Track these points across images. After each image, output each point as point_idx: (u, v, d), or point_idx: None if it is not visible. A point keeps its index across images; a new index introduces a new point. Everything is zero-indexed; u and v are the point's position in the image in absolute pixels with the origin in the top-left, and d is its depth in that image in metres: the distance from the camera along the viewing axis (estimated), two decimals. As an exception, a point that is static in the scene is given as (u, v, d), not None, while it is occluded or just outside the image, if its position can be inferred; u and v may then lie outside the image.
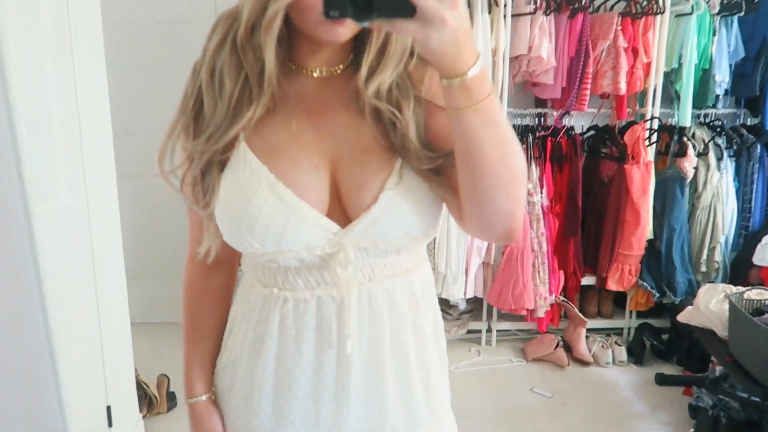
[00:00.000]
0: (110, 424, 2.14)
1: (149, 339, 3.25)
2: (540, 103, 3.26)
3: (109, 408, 2.13)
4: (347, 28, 0.80)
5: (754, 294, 2.33)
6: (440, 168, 0.85)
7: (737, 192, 3.17)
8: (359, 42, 0.87)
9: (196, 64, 0.89)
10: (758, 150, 3.11)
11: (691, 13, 2.91)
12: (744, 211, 3.21)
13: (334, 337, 0.89)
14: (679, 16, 2.97)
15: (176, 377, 2.79)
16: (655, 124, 3.03)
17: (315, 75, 0.88)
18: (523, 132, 3.11)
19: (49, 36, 1.76)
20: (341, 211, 0.86)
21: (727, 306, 2.36)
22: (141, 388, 2.53)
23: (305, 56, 0.88)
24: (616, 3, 3.04)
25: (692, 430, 2.49)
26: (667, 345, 3.20)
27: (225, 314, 1.05)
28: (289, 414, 0.93)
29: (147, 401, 2.58)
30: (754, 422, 2.43)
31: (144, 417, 2.51)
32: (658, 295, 3.15)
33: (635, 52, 2.96)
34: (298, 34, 0.85)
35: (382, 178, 0.84)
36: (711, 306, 2.47)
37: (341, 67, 0.89)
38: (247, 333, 0.95)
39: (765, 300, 2.30)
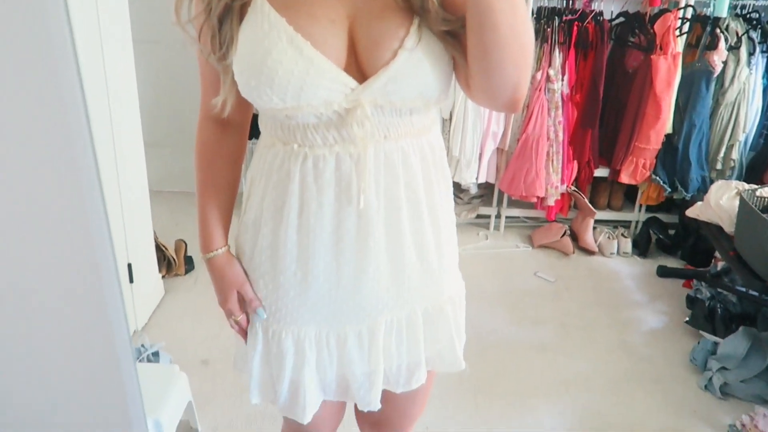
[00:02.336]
0: (131, 280, 2.26)
1: (166, 206, 3.34)
2: (569, -16, 3.11)
3: (129, 265, 2.24)
4: None
5: (766, 192, 2.34)
6: (455, 32, 0.85)
7: (765, 90, 3.08)
8: None
9: None
10: None
11: None
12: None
13: (354, 193, 0.92)
14: None
15: (193, 243, 2.90)
16: (689, 13, 2.90)
17: None
18: (549, 15, 3.00)
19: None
20: (358, 68, 0.87)
21: (737, 202, 2.37)
22: (160, 250, 2.64)
23: None
24: None
25: (688, 318, 2.58)
26: (672, 240, 3.25)
27: (238, 174, 1.08)
28: (313, 269, 0.97)
29: (166, 263, 2.70)
30: (749, 315, 2.52)
31: (163, 277, 2.64)
32: (669, 189, 3.16)
33: (677, -67, 2.79)
34: None
35: (400, 36, 0.84)
36: (722, 202, 2.49)
37: None
38: (267, 192, 0.97)
39: None
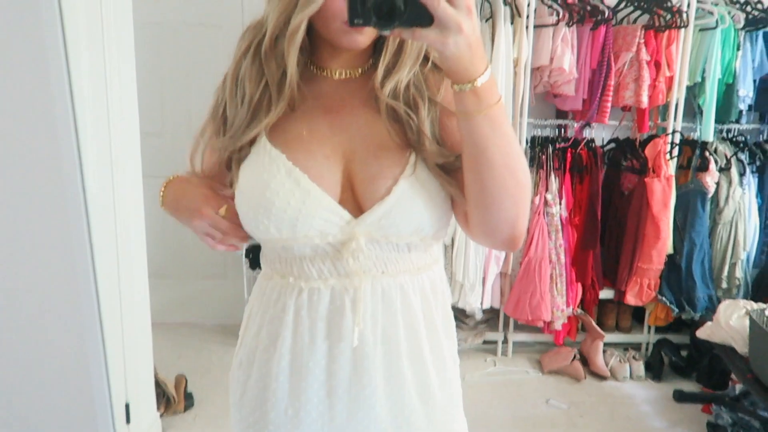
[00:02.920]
0: (128, 421, 2.17)
1: (167, 338, 3.28)
2: (561, 114, 3.26)
3: (127, 405, 2.16)
4: (367, 36, 0.85)
5: None
6: (451, 168, 0.89)
7: (760, 208, 3.14)
8: (378, 46, 0.92)
9: (225, 74, 0.94)
10: None
11: (715, 27, 2.90)
12: (766, 228, 3.18)
13: (347, 329, 0.91)
14: (703, 30, 2.96)
15: (194, 378, 2.82)
16: (677, 138, 3.02)
17: (336, 77, 0.94)
18: (543, 143, 3.12)
19: (84, 33, 1.81)
20: (354, 203, 0.90)
21: (747, 322, 2.33)
22: (159, 386, 2.55)
23: (327, 60, 0.93)
24: (639, 16, 3.05)
25: None
26: (686, 361, 3.16)
27: None
28: (305, 405, 0.95)
29: (165, 400, 2.60)
30: (774, 440, 2.40)
31: (161, 416, 2.54)
32: (677, 310, 3.12)
33: (658, 66, 2.96)
34: (320, 39, 0.90)
35: (396, 172, 0.88)
36: (731, 322, 2.44)
37: (360, 70, 0.94)
38: (263, 326, 0.98)
39: None
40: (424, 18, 0.69)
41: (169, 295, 3.45)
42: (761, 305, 2.39)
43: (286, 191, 0.87)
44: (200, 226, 0.95)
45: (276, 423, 0.96)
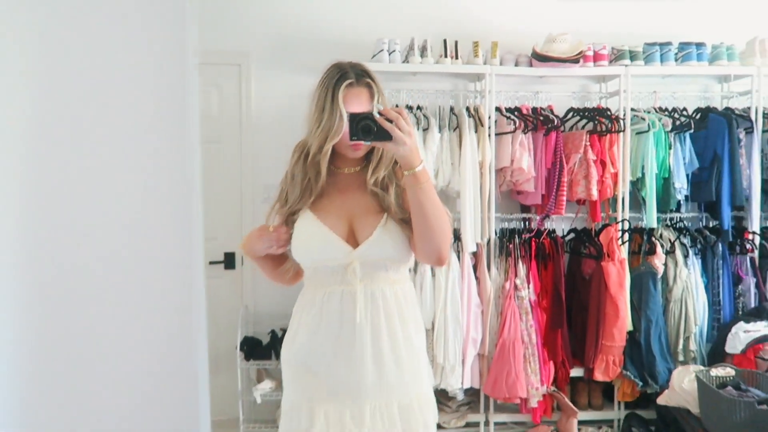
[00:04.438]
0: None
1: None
2: (525, 209, 3.66)
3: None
4: (362, 150, 1.59)
5: (719, 371, 2.60)
6: (407, 221, 1.57)
7: (706, 287, 3.48)
8: (368, 156, 1.63)
9: (286, 171, 1.66)
10: (720, 248, 3.48)
11: (648, 131, 3.38)
12: (714, 304, 3.50)
13: (350, 315, 1.56)
14: (639, 133, 3.44)
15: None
16: (626, 226, 3.41)
17: (345, 172, 1.66)
18: (510, 234, 3.49)
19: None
20: (353, 242, 1.59)
21: (696, 384, 2.61)
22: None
23: (340, 163, 1.65)
24: (585, 124, 3.53)
25: None
26: (655, 434, 3.37)
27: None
28: (321, 358, 1.59)
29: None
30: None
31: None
32: (641, 383, 3.37)
33: (603, 164, 3.41)
34: (336, 152, 1.61)
35: (376, 224, 1.58)
36: (684, 385, 2.73)
37: (358, 168, 1.65)
38: (302, 319, 1.65)
39: (729, 375, 2.56)
40: (387, 136, 1.40)
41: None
42: (707, 368, 2.68)
43: (315, 236, 1.59)
44: (261, 244, 1.62)
45: (308, 363, 1.60)
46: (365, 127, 1.42)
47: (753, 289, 3.53)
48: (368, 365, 1.56)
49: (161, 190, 1.91)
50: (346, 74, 1.55)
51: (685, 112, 3.56)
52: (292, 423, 1.61)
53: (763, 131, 3.56)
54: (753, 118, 3.51)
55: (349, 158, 1.62)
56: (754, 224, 3.51)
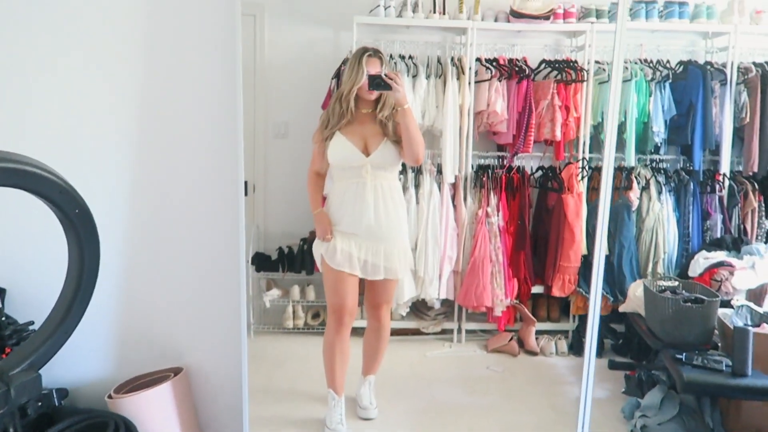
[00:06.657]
0: None
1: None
2: (500, 148, 4.18)
3: None
4: (374, 95, 2.71)
5: (666, 282, 3.16)
6: (398, 141, 2.69)
7: (678, 221, 3.96)
8: (377, 102, 2.74)
9: (327, 107, 2.84)
10: (692, 187, 3.95)
11: (630, 79, 3.84)
12: (684, 236, 3.97)
13: (362, 196, 2.72)
14: (601, 83, 3.93)
15: None
16: (585, 164, 3.94)
17: (363, 111, 2.75)
18: (486, 169, 4.03)
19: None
20: (367, 152, 2.72)
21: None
22: None
23: (360, 105, 2.73)
24: (552, 73, 4.02)
25: (624, 389, 3.24)
26: (623, 343, 3.92)
27: (323, 187, 2.94)
28: (349, 213, 2.77)
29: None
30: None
31: None
32: (612, 299, 3.88)
33: (567, 109, 3.91)
34: (359, 97, 2.71)
35: (380, 141, 2.71)
36: (637, 293, 3.30)
37: (370, 109, 2.75)
38: (334, 195, 2.81)
39: (673, 286, 3.12)
40: (389, 87, 2.58)
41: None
42: (655, 279, 3.25)
43: (344, 147, 2.72)
44: (320, 228, 2.81)
45: (343, 218, 2.78)
46: (377, 82, 2.56)
47: (720, 225, 3.97)
48: (371, 220, 2.71)
49: (212, 136, 2.60)
50: (368, 50, 2.66)
51: (668, 64, 3.98)
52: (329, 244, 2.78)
53: (737, 83, 3.94)
54: (728, 71, 3.91)
55: (365, 101, 2.71)
56: (724, 167, 3.94)
